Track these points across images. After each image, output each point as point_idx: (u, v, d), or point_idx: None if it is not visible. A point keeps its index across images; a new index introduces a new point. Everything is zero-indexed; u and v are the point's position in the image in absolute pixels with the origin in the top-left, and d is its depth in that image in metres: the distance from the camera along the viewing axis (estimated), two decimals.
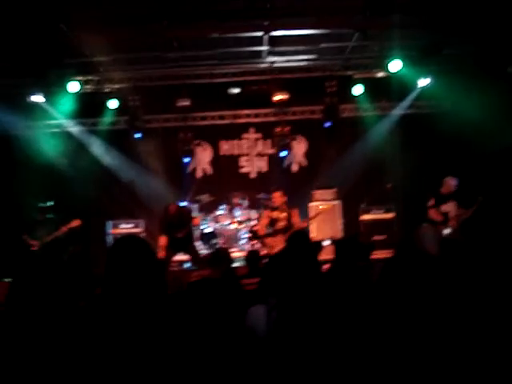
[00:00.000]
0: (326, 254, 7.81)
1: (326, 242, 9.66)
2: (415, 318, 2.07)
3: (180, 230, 9.58)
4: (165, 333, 2.36)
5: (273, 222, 9.19)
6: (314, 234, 10.79)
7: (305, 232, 4.15)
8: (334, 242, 7.73)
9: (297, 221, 9.18)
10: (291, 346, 2.50)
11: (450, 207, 8.87)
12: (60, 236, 9.22)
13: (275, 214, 9.19)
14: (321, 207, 10.92)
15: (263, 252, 8.86)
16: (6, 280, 4.69)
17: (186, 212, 10.36)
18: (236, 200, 11.67)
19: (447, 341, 2.05)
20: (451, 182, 8.99)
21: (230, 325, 2.92)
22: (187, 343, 2.49)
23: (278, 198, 9.24)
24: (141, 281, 2.41)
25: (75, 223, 9.28)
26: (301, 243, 3.01)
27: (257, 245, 10.25)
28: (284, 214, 9.14)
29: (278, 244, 8.90)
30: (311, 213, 10.89)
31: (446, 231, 8.72)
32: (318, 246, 8.99)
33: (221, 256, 5.59)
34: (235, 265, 8.21)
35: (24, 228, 9.32)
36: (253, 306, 2.76)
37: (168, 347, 2.33)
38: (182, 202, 11.59)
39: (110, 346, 2.29)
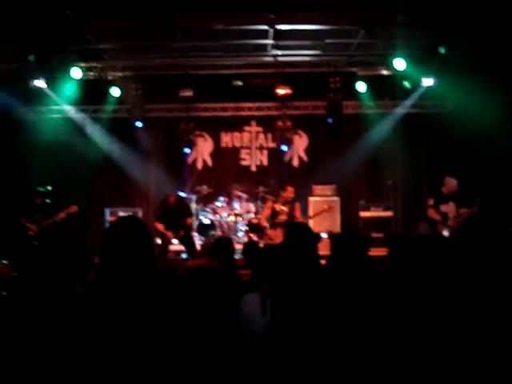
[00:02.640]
0: (322, 249, 7.82)
1: (323, 235, 9.66)
2: (410, 312, 2.06)
3: (175, 221, 9.61)
4: (158, 316, 2.36)
5: (274, 214, 9.24)
6: (312, 226, 10.81)
7: (306, 224, 4.15)
8: (331, 236, 7.71)
9: (298, 215, 9.26)
10: (287, 334, 2.50)
11: (449, 208, 8.84)
12: (57, 221, 9.26)
13: (277, 207, 9.25)
14: (325, 206, 10.81)
15: (262, 243, 8.89)
16: (4, 262, 4.68)
17: (185, 206, 10.37)
18: (235, 192, 11.66)
19: (445, 340, 2.05)
20: (452, 183, 8.95)
21: (224, 312, 2.91)
22: (180, 327, 2.49)
23: (291, 192, 9.27)
24: (137, 260, 2.40)
25: (72, 209, 9.35)
26: (301, 235, 3.00)
27: (254, 237, 10.24)
28: (286, 208, 9.20)
29: (277, 237, 8.92)
30: (314, 209, 10.88)
31: (445, 232, 8.70)
32: (317, 237, 9.01)
33: (222, 245, 5.53)
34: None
35: (22, 212, 9.34)
36: (246, 294, 2.76)
37: (161, 330, 2.33)
38: (181, 192, 11.61)
39: (104, 329, 2.29)
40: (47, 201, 9.54)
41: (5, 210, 9.67)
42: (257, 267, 4.68)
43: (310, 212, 10.83)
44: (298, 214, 9.26)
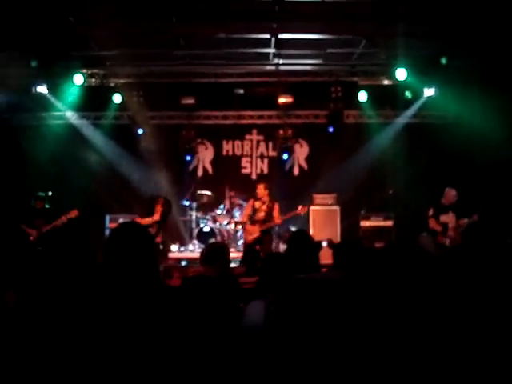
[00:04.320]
0: (323, 258, 7.84)
1: (323, 244, 9.73)
2: (411, 316, 2.07)
3: None
4: (156, 323, 2.35)
5: (254, 211, 9.61)
6: (312, 235, 10.84)
7: (306, 232, 4.13)
8: (333, 245, 7.71)
9: (276, 215, 9.56)
10: (289, 341, 2.50)
11: (449, 218, 8.86)
12: (58, 226, 9.23)
13: (257, 205, 9.62)
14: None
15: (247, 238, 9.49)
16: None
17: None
18: (235, 200, 11.65)
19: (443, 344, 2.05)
20: (451, 193, 8.99)
21: (226, 321, 2.91)
22: (180, 336, 2.49)
23: (260, 189, 9.64)
24: (138, 266, 2.40)
25: (73, 214, 9.32)
26: (303, 243, 3.00)
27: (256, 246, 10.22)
28: (265, 206, 9.57)
29: (255, 232, 9.46)
30: (315, 218, 11.05)
31: (446, 243, 8.70)
32: (318, 245, 9.02)
33: (218, 252, 5.22)
34: (232, 265, 8.19)
35: (22, 217, 9.33)
36: (252, 301, 2.76)
37: (161, 338, 2.33)
38: (182, 199, 11.63)
39: (104, 333, 2.29)
40: (47, 206, 9.55)
41: (5, 216, 9.66)
42: (260, 275, 4.62)
43: (311, 221, 10.92)
44: (275, 213, 9.57)
